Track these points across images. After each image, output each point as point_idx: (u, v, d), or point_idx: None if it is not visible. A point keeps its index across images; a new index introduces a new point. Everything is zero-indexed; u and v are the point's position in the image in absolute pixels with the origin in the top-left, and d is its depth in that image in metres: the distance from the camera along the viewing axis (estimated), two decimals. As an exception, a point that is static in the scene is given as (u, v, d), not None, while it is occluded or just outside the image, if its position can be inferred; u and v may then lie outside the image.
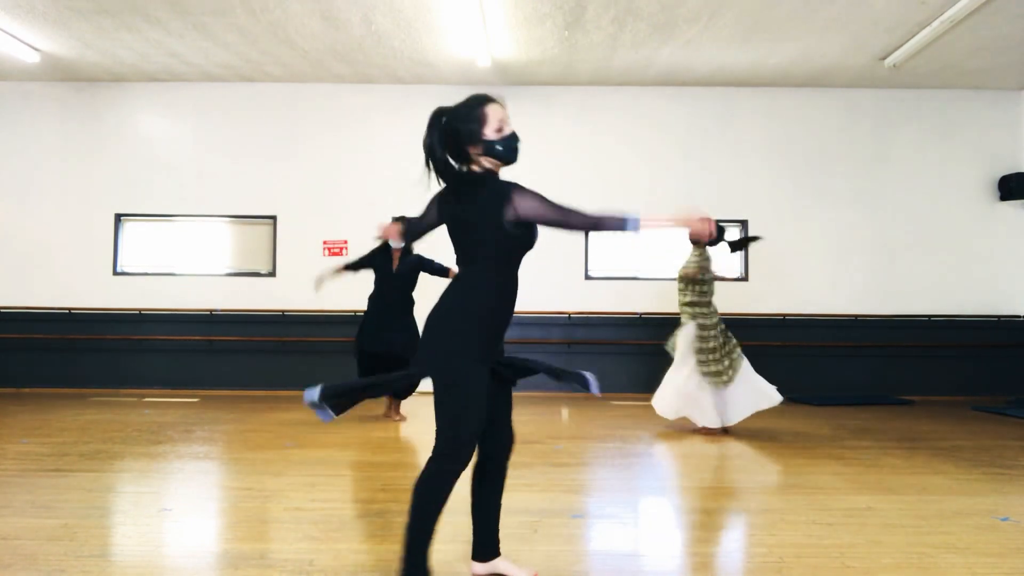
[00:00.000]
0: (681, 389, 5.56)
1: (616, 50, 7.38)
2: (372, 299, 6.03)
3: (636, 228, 2.16)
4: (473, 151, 2.26)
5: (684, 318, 5.73)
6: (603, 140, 8.50)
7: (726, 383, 5.48)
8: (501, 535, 2.47)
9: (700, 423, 5.58)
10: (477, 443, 2.27)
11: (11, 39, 7.02)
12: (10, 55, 7.44)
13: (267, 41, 7.19)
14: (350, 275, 6.05)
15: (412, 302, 6.05)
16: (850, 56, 7.47)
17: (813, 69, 7.89)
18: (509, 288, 2.30)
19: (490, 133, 2.24)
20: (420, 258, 5.96)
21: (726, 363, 5.50)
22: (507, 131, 2.27)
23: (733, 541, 3.10)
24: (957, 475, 4.22)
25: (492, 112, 2.25)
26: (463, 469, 2.23)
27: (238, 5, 6.34)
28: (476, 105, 2.26)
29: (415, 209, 2.65)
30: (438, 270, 5.89)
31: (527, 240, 2.28)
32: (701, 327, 5.57)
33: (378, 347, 5.83)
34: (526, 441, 5.27)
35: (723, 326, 5.66)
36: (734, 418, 5.53)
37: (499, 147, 2.25)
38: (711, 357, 5.51)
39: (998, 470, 4.39)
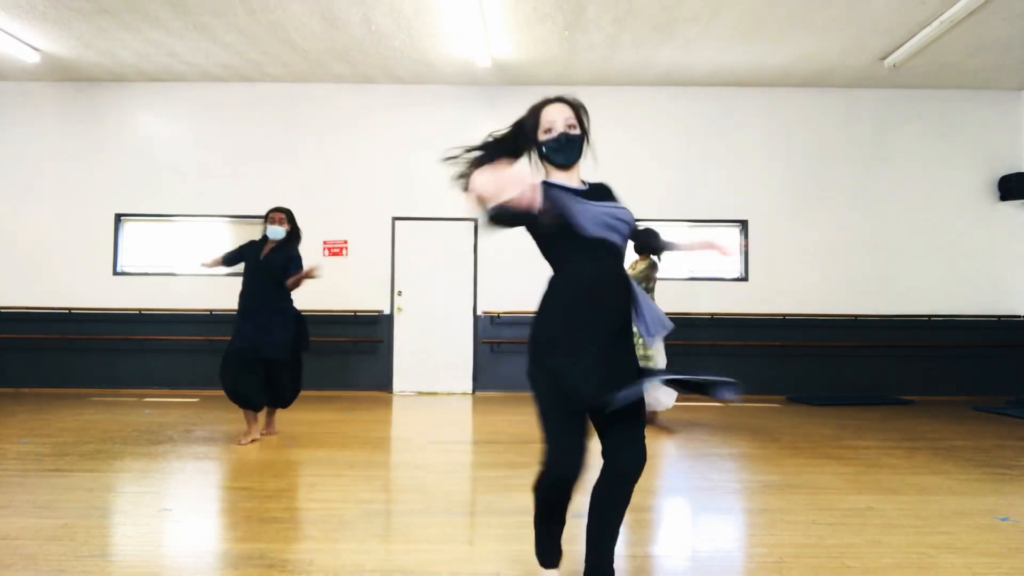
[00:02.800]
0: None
1: (616, 50, 7.38)
2: (240, 296, 5.24)
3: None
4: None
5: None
6: (602, 140, 8.46)
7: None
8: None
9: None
10: (582, 457, 2.16)
11: (11, 39, 7.02)
12: (10, 55, 7.44)
13: (267, 41, 7.18)
14: (224, 269, 5.39)
15: (285, 299, 5.21)
16: (850, 56, 7.47)
17: (813, 69, 7.89)
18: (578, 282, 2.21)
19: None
20: (293, 257, 5.17)
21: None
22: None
23: (733, 541, 3.09)
24: (957, 475, 4.22)
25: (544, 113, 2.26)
26: (563, 480, 2.19)
27: (238, 5, 6.34)
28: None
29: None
30: (292, 272, 5.12)
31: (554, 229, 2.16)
32: None
33: (243, 346, 5.11)
34: (526, 441, 5.27)
35: None
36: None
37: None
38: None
39: (998, 470, 4.39)
